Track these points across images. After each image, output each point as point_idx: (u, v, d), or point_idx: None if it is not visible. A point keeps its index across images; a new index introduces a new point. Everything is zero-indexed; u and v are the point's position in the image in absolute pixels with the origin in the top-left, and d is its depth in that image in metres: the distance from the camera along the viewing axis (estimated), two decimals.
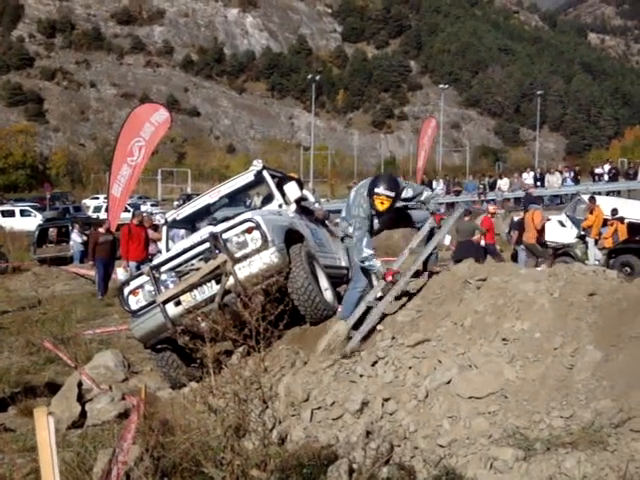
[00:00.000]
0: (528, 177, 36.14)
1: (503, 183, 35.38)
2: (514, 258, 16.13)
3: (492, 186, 35.69)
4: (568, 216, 18.30)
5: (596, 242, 16.71)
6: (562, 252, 16.24)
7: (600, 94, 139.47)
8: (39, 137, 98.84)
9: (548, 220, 16.77)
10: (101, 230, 16.71)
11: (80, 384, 7.15)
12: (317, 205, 10.73)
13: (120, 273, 15.75)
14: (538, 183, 35.03)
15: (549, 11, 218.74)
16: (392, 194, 6.89)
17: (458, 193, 36.11)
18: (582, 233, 17.07)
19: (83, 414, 6.93)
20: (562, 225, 17.75)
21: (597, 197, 18.44)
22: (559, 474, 4.44)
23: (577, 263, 7.61)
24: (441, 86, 77.42)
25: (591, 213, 16.96)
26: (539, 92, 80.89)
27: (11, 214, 38.57)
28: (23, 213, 38.90)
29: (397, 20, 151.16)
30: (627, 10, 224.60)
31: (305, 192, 9.88)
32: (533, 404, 5.05)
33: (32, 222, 34.15)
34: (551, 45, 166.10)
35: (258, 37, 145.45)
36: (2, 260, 24.09)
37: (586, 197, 20.46)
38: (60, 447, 3.65)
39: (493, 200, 34.11)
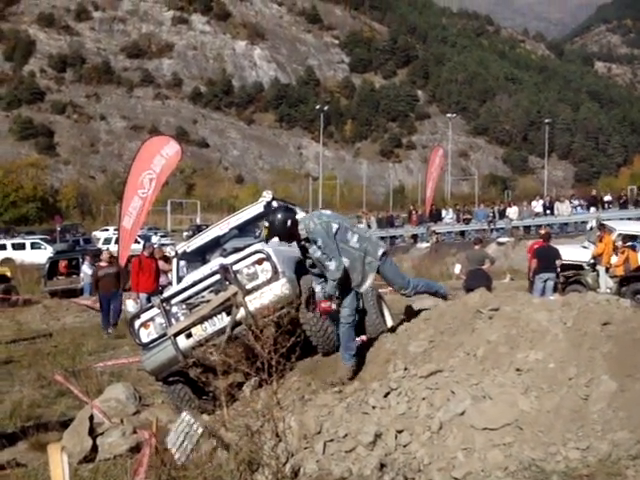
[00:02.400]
0: (537, 205, 36.13)
1: (512, 211, 35.35)
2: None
3: (502, 214, 35.66)
4: (591, 242, 18.33)
5: (607, 270, 16.61)
6: (573, 280, 16.14)
7: (608, 122, 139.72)
8: (50, 170, 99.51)
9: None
10: (102, 263, 16.31)
11: (92, 418, 7.12)
12: None
13: (130, 305, 15.70)
14: (548, 211, 35.02)
15: (555, 40, 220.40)
16: (266, 224, 6.87)
17: (468, 222, 36.07)
18: (592, 261, 16.99)
19: (94, 448, 6.88)
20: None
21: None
22: None
23: (590, 292, 7.57)
24: (449, 115, 77.86)
25: (601, 241, 16.89)
26: (547, 120, 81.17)
27: (22, 247, 38.75)
28: (34, 246, 39.06)
29: (404, 50, 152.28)
30: (633, 38, 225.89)
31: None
32: (549, 435, 4.99)
33: (43, 255, 34.27)
34: (558, 74, 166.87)
35: (266, 69, 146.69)
36: (13, 293, 24.16)
37: (614, 223, 20.66)
38: None
39: (502, 229, 34.20)
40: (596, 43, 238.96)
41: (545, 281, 15.55)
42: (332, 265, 6.42)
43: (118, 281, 16.02)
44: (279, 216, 6.58)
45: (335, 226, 6.52)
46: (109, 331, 15.27)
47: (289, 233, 6.57)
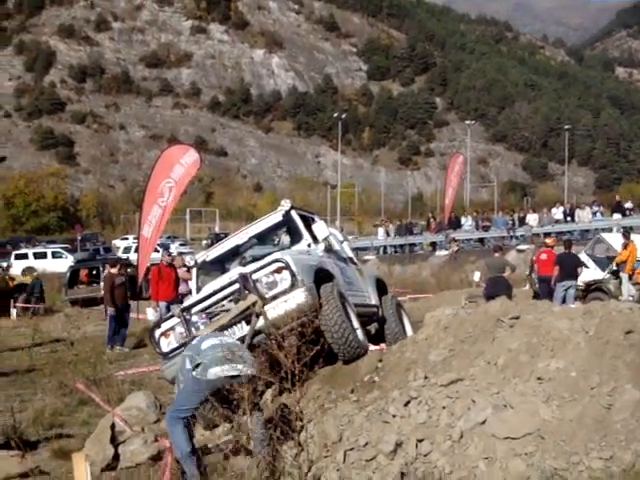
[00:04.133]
0: (558, 212, 35.88)
1: (532, 219, 35.13)
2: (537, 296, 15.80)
3: (521, 221, 35.45)
4: (589, 255, 18.04)
5: (630, 277, 16.46)
6: (595, 288, 16.00)
7: (629, 127, 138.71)
8: (70, 179, 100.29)
9: None
10: (113, 271, 15.76)
11: (113, 426, 7.16)
12: (345, 243, 10.74)
13: (150, 314, 15.75)
14: (568, 218, 34.76)
15: (575, 46, 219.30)
16: None
17: (487, 229, 35.91)
18: (615, 268, 16.83)
19: (116, 456, 6.92)
20: (585, 266, 17.42)
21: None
22: None
23: (612, 300, 7.51)
24: (467, 122, 77.68)
25: (625, 248, 16.74)
26: (567, 126, 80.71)
27: (43, 256, 39.07)
28: (55, 255, 39.37)
29: (422, 58, 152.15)
30: None
31: (332, 230, 9.92)
32: (571, 445, 4.96)
33: (64, 264, 34.55)
34: (578, 79, 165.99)
35: (284, 77, 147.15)
36: (33, 301, 24.33)
37: (610, 235, 20.39)
38: None
39: (522, 236, 33.98)
40: (617, 48, 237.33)
41: (567, 289, 15.43)
42: None
43: (126, 294, 15.57)
44: None
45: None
46: (119, 348, 14.60)
47: None
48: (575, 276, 15.59)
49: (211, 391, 5.80)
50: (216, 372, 5.68)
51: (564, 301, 14.97)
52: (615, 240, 18.43)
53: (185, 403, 5.94)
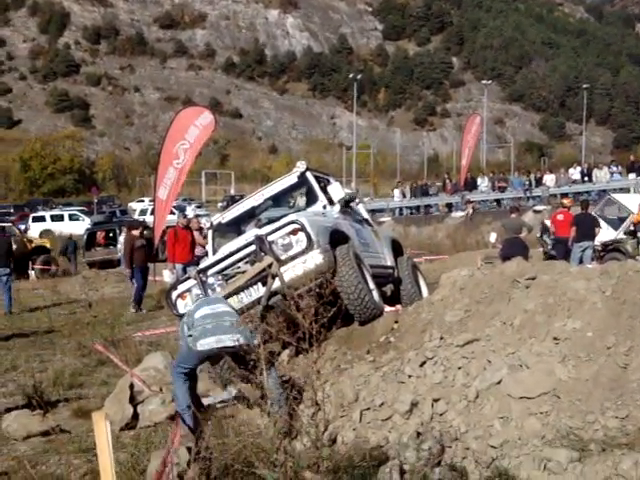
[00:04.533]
0: (575, 172, 35.57)
1: (549, 179, 34.86)
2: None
3: (538, 182, 35.20)
4: (599, 216, 17.88)
5: None
6: (612, 248, 15.91)
7: None
8: (85, 142, 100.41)
9: None
10: (135, 233, 15.70)
11: (132, 386, 7.25)
12: (360, 204, 10.72)
13: (167, 275, 15.84)
14: (586, 178, 34.46)
15: (594, 2, 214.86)
16: None
17: (503, 189, 35.69)
18: (632, 228, 16.71)
19: (135, 416, 7.02)
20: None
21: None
22: (615, 475, 4.36)
23: (629, 260, 7.47)
24: (484, 82, 76.64)
25: None
26: (585, 85, 79.50)
27: (60, 218, 39.30)
28: (72, 217, 39.60)
29: (438, 17, 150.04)
30: None
31: (347, 190, 9.89)
32: (587, 404, 4.97)
33: (81, 226, 34.74)
34: (597, 37, 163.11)
35: (299, 38, 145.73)
36: (52, 264, 24.58)
37: (622, 195, 20.20)
38: (114, 449, 3.71)
39: (539, 196, 33.76)
40: (637, 4, 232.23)
41: (584, 250, 15.36)
42: None
43: (147, 256, 15.73)
44: None
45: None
46: (135, 311, 14.69)
47: None
48: (592, 236, 15.50)
49: (203, 358, 6.08)
50: (203, 344, 5.90)
51: (581, 262, 14.91)
52: (627, 200, 18.28)
53: (184, 362, 6.18)
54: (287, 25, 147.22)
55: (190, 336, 6.01)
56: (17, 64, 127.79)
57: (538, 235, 18.37)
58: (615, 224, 17.24)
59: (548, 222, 17.50)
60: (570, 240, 15.60)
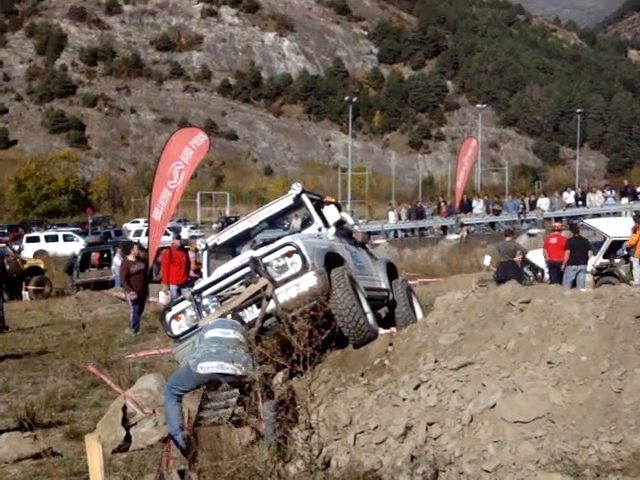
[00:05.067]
0: (569, 196, 35.71)
1: (544, 202, 34.98)
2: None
3: (532, 205, 35.32)
4: None
5: None
6: (606, 272, 15.95)
7: None
8: (81, 163, 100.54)
9: None
10: (130, 258, 14.90)
11: (124, 408, 7.21)
12: (356, 227, 10.73)
13: (161, 297, 15.83)
14: (580, 202, 34.60)
15: (587, 29, 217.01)
16: None
17: (498, 213, 35.79)
18: (625, 253, 16.77)
19: (128, 438, 6.98)
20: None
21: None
22: None
23: (623, 284, 7.49)
24: (478, 106, 77.19)
25: (635, 232, 16.66)
26: (579, 110, 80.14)
27: (54, 239, 39.22)
28: (66, 238, 39.51)
29: (433, 41, 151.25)
30: None
31: (343, 214, 9.89)
32: (581, 429, 4.96)
33: (75, 247, 34.65)
34: (590, 62, 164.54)
35: (295, 60, 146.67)
36: (46, 285, 24.49)
37: (596, 220, 20.34)
38: (106, 472, 3.68)
39: (533, 220, 33.86)
40: (630, 31, 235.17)
41: (577, 273, 15.39)
42: None
43: (145, 278, 15.01)
44: None
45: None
46: (134, 334, 14.30)
47: None
48: (586, 260, 15.55)
49: (201, 383, 6.04)
50: (204, 367, 5.90)
51: (574, 285, 14.92)
52: (601, 224, 18.37)
53: (179, 384, 6.17)
54: (283, 48, 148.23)
55: (193, 358, 6.02)
56: (13, 85, 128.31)
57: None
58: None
59: (531, 254, 17.42)
60: (564, 264, 15.64)
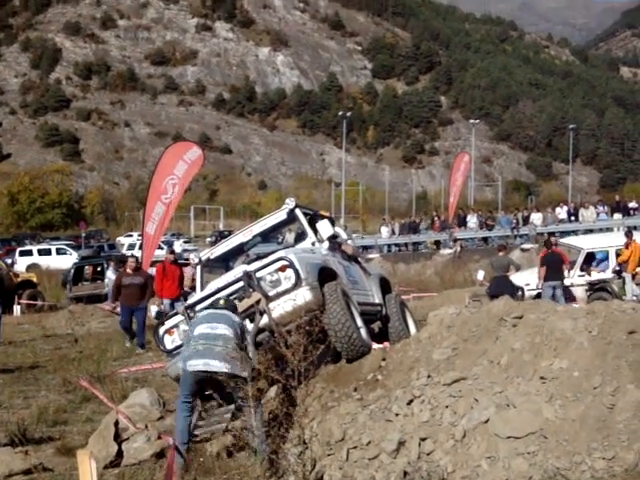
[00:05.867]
0: (562, 212, 35.80)
1: (537, 217, 35.06)
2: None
3: (525, 220, 35.39)
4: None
5: (633, 277, 16.42)
6: (598, 288, 15.97)
7: (633, 127, 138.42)
8: (75, 176, 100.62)
9: None
10: (128, 270, 14.41)
11: (117, 423, 7.17)
12: (349, 242, 10.74)
13: (154, 311, 15.75)
14: (572, 218, 34.68)
15: (579, 46, 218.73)
16: None
17: (491, 228, 35.85)
18: (617, 268, 16.80)
19: (120, 453, 6.94)
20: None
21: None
22: None
23: (615, 300, 7.50)
24: (472, 121, 77.48)
25: (627, 248, 16.70)
26: (571, 126, 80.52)
27: (47, 253, 39.11)
28: (59, 251, 39.40)
29: (427, 56, 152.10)
30: None
31: (337, 229, 9.89)
32: (573, 444, 4.96)
33: (68, 260, 34.57)
34: (582, 79, 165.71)
35: (289, 75, 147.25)
36: (39, 299, 24.40)
37: (572, 238, 20.45)
38: None
39: (526, 235, 33.92)
40: (621, 48, 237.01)
41: (554, 288, 15.36)
42: None
43: (143, 293, 14.18)
44: None
45: None
46: (137, 347, 13.93)
47: None
48: (561, 275, 15.57)
49: (194, 380, 6.08)
50: (192, 364, 5.98)
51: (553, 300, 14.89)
52: (574, 240, 18.45)
53: (182, 389, 6.26)
54: (277, 63, 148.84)
55: (184, 357, 6.10)
56: (7, 99, 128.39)
57: None
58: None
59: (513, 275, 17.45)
60: (539, 280, 15.62)
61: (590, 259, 17.03)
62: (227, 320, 6.45)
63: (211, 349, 5.96)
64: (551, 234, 30.68)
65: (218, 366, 5.85)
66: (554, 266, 15.56)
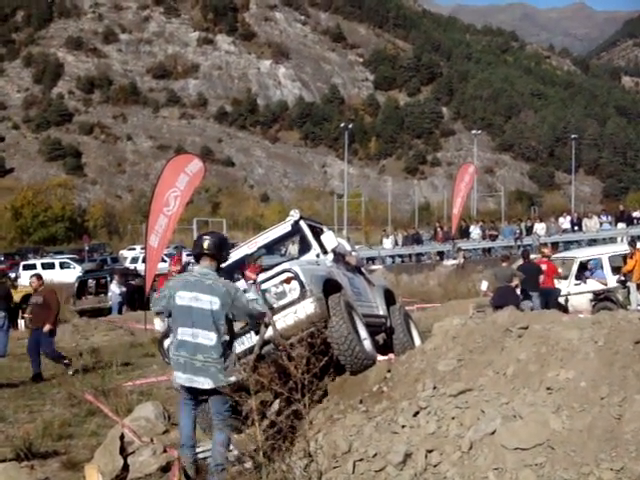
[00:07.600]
0: (565, 221, 35.80)
1: (540, 228, 35.05)
2: None
3: (529, 231, 35.38)
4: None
5: (638, 287, 16.40)
6: (603, 297, 15.96)
7: (636, 137, 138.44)
8: (77, 190, 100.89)
9: None
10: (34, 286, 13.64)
11: (122, 437, 7.16)
12: (353, 253, 10.74)
13: (158, 324, 15.77)
14: (576, 227, 34.68)
15: (581, 56, 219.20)
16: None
17: (494, 238, 35.84)
18: (622, 278, 16.78)
19: (126, 467, 6.92)
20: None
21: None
22: None
23: (621, 310, 7.49)
24: (474, 132, 77.56)
25: (631, 257, 16.69)
26: (573, 136, 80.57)
27: (51, 266, 39.12)
28: (63, 265, 39.44)
29: (428, 68, 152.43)
30: None
31: (339, 240, 9.90)
32: (581, 455, 4.93)
33: (71, 274, 34.60)
34: (584, 89, 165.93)
35: (291, 87, 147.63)
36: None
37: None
38: None
39: (530, 245, 33.89)
40: (623, 58, 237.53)
41: (532, 299, 15.44)
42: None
43: (47, 313, 13.25)
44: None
45: None
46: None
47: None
48: (537, 286, 15.62)
49: (185, 390, 6.05)
50: (176, 377, 5.98)
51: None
52: (568, 252, 18.56)
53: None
54: (279, 75, 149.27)
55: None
56: (10, 113, 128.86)
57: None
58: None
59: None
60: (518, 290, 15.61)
61: (583, 268, 17.13)
62: (205, 289, 6.17)
63: (192, 364, 5.87)
64: (555, 244, 30.69)
65: (201, 381, 5.83)
66: (530, 276, 15.60)
